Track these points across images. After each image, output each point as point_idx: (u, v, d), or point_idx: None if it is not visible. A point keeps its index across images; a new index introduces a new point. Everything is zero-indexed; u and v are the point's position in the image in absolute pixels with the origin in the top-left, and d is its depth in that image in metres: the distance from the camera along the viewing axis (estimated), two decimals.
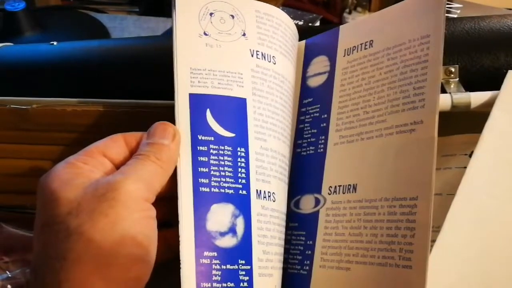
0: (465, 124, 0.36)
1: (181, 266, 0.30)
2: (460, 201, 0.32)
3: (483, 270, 0.31)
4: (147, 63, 0.46)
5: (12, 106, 0.40)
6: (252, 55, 0.36)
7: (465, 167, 0.34)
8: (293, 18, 0.77)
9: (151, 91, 0.42)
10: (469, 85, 0.37)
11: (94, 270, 0.27)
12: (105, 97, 0.40)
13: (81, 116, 0.39)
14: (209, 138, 0.33)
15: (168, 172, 0.32)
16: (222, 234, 0.32)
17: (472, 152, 0.34)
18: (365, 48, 0.37)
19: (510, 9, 0.74)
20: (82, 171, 0.30)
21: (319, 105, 0.39)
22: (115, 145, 0.32)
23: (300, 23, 0.76)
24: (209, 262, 0.31)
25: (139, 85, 0.45)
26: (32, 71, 0.46)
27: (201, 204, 0.32)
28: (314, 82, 0.40)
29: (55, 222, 0.28)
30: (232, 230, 0.32)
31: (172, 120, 0.33)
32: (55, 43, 0.49)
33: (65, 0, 0.98)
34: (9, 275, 0.41)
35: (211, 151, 0.33)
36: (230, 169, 0.33)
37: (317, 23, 0.78)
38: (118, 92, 0.44)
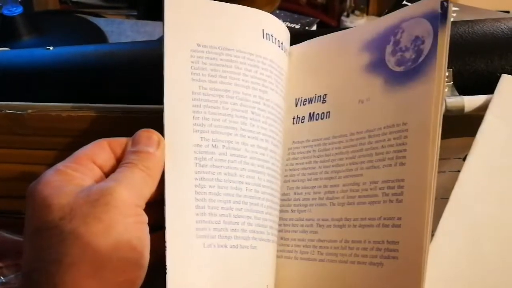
0: (459, 128, 0.36)
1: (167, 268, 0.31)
2: (452, 207, 0.32)
3: (476, 276, 0.31)
4: (142, 68, 0.46)
5: (7, 111, 0.40)
6: None
7: (459, 171, 0.34)
8: (290, 21, 0.77)
9: (146, 96, 0.42)
10: (463, 89, 0.37)
11: (89, 273, 0.27)
12: (100, 102, 0.40)
13: (77, 121, 0.40)
14: None
15: (156, 180, 0.32)
16: None
17: (466, 156, 0.34)
18: None
19: (506, 11, 0.74)
20: (72, 178, 0.30)
21: None
22: (102, 151, 0.32)
23: (297, 26, 0.76)
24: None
25: (135, 90, 0.45)
26: (28, 76, 0.46)
27: None
28: None
29: (48, 228, 0.28)
30: None
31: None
32: (51, 48, 0.49)
33: (63, 4, 0.99)
34: (3, 280, 0.41)
35: None
36: None
37: (314, 27, 0.78)
38: (114, 97, 0.44)
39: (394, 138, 0.33)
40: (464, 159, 0.35)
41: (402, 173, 0.32)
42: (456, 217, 0.32)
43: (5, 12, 0.74)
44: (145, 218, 0.30)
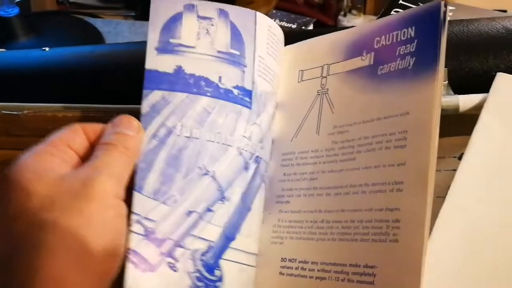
0: (454, 127, 0.36)
1: None
2: (449, 207, 0.32)
3: (472, 275, 0.31)
4: (140, 69, 0.46)
5: (3, 111, 0.40)
6: None
7: (454, 170, 0.34)
8: (286, 21, 0.77)
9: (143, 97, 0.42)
10: (458, 88, 0.37)
11: (69, 261, 0.28)
12: (97, 103, 0.40)
13: (73, 121, 0.39)
14: None
15: (134, 161, 0.33)
16: None
17: (461, 155, 0.34)
18: None
19: (503, 10, 0.74)
20: (51, 164, 0.30)
21: None
22: (77, 136, 0.33)
23: (294, 26, 0.76)
24: None
25: (131, 91, 0.45)
26: (24, 77, 0.46)
27: None
28: None
29: (27, 215, 0.28)
30: None
31: None
32: (47, 49, 0.49)
33: (61, 5, 0.98)
34: None
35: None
36: None
37: (310, 27, 0.78)
38: (111, 97, 0.44)
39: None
40: (459, 158, 0.35)
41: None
42: (452, 217, 0.32)
43: (1, 13, 0.74)
44: (124, 211, 0.31)
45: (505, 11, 0.76)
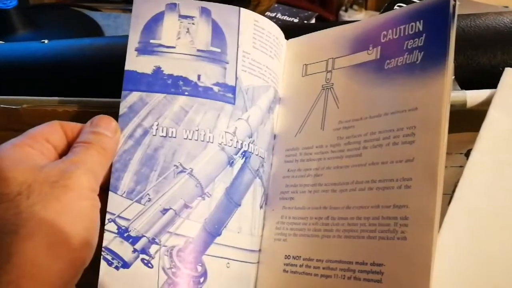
0: (461, 123, 0.36)
1: None
2: (457, 203, 0.32)
3: (481, 272, 0.31)
4: None
5: (2, 105, 0.39)
6: None
7: (461, 166, 0.33)
8: (288, 15, 0.76)
9: None
10: (466, 83, 0.37)
11: (44, 247, 0.28)
12: (97, 96, 0.40)
13: (73, 116, 0.39)
14: None
15: (110, 162, 0.34)
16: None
17: (468, 151, 0.34)
18: None
19: (505, 7, 0.73)
20: (30, 154, 0.31)
21: None
22: (56, 132, 0.34)
23: (296, 20, 0.75)
24: None
25: None
26: (22, 70, 0.46)
27: None
28: None
29: (4, 200, 0.29)
30: None
31: None
32: (46, 41, 0.49)
33: None
34: None
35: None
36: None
37: (313, 21, 0.78)
38: (110, 91, 0.43)
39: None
40: (466, 154, 0.34)
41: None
42: (461, 214, 0.32)
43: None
44: (98, 203, 0.32)
45: (506, 7, 0.76)
